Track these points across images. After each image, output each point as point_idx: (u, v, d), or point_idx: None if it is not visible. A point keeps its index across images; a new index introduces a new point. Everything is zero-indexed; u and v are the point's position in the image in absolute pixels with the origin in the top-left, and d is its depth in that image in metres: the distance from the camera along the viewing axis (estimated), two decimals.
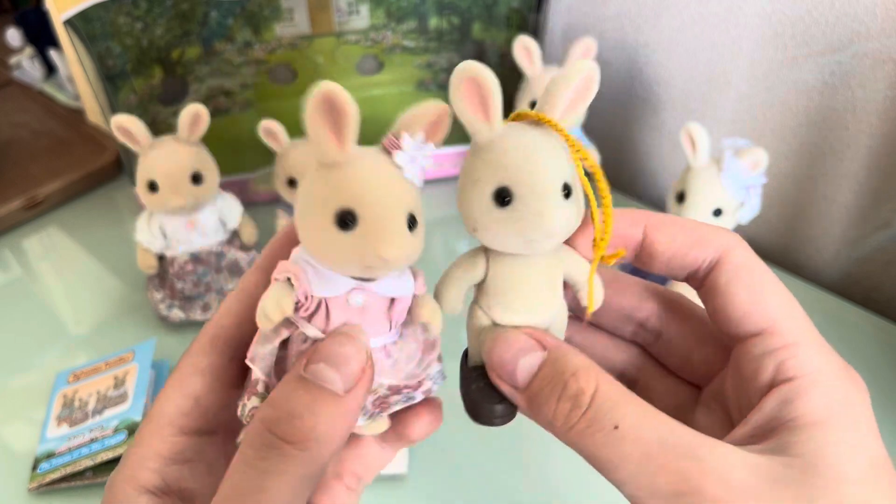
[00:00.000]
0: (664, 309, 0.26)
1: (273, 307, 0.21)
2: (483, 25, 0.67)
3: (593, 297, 0.25)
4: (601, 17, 0.67)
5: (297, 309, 0.23)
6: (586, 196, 0.24)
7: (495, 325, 0.24)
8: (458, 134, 0.24)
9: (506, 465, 0.46)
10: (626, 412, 0.20)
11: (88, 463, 0.43)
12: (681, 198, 0.51)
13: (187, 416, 0.23)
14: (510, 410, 0.24)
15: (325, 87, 0.20)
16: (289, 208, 0.57)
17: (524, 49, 0.59)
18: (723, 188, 0.49)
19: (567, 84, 0.22)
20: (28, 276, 0.62)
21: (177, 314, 0.54)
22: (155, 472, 0.23)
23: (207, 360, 0.24)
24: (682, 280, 0.25)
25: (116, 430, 0.44)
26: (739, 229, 0.63)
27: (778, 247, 0.65)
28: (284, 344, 0.23)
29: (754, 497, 0.18)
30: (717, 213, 0.50)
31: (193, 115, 0.49)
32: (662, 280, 0.52)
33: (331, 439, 0.20)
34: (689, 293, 0.27)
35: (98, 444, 0.44)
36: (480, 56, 0.70)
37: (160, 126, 0.63)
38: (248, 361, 0.23)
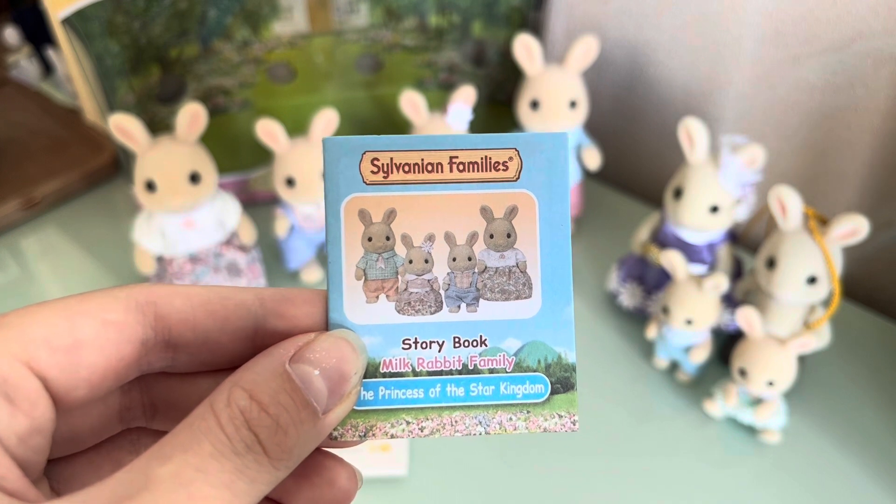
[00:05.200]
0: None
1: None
2: (483, 24, 0.67)
3: None
4: (602, 15, 0.67)
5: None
6: None
7: None
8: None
9: (506, 467, 0.45)
10: None
11: None
12: (678, 193, 0.51)
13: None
14: None
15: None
16: (288, 208, 0.56)
17: (525, 47, 0.59)
18: (720, 185, 0.49)
19: None
20: (26, 277, 0.62)
21: None
22: None
23: None
24: None
25: None
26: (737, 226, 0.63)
27: None
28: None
29: None
30: (714, 209, 0.50)
31: (191, 114, 0.49)
32: (665, 277, 0.52)
33: (299, 461, 0.18)
34: None
35: None
36: (481, 55, 0.69)
37: (158, 125, 0.63)
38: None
